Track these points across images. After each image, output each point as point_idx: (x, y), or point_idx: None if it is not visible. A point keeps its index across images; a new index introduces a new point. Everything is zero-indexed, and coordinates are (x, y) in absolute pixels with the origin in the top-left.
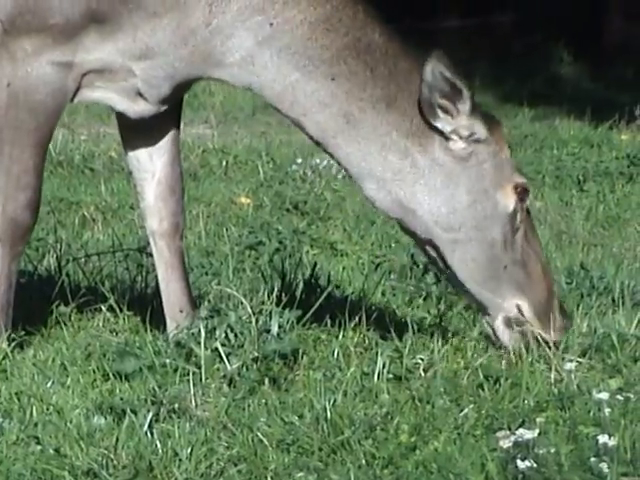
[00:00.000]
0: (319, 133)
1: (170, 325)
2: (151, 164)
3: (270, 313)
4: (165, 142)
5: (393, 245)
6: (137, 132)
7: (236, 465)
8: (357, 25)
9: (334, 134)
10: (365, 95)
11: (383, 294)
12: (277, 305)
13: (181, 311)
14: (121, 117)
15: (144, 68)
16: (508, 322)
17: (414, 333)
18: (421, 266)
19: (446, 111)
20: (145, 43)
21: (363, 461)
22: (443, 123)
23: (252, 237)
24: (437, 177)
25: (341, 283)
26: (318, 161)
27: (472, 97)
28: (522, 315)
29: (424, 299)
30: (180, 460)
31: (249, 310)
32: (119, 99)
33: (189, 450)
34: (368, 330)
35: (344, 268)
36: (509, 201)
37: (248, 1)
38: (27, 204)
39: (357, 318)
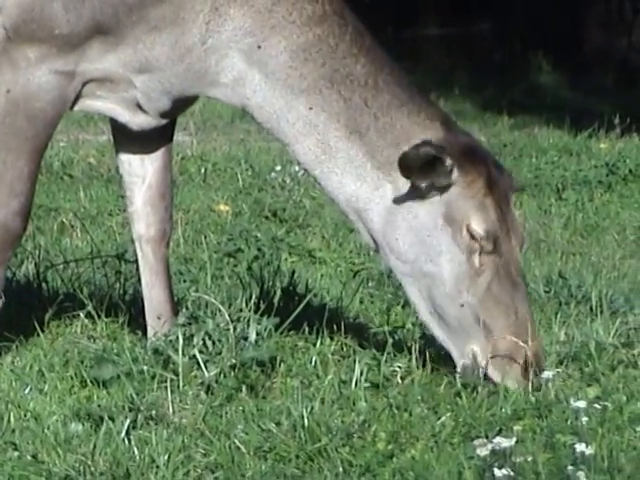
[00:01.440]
0: (303, 162)
1: (151, 331)
2: (142, 169)
3: (248, 320)
4: (158, 148)
5: (371, 253)
6: (131, 137)
7: (213, 472)
8: (337, 56)
9: (314, 164)
10: (339, 125)
11: (361, 302)
12: (255, 312)
13: (159, 318)
14: (116, 121)
15: (143, 81)
16: (465, 370)
17: (392, 341)
18: None
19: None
20: (145, 56)
21: (340, 469)
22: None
23: (231, 244)
24: (400, 210)
25: (319, 291)
26: (297, 169)
27: (452, 153)
28: (476, 361)
29: (402, 307)
30: (157, 467)
31: (227, 317)
32: (121, 111)
33: (166, 457)
34: (346, 338)
35: (322, 276)
36: (461, 239)
37: (242, 22)
38: (19, 211)
39: (335, 326)
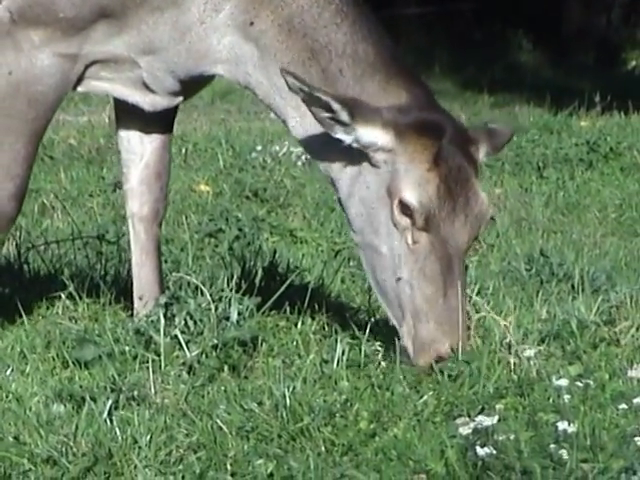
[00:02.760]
0: (294, 135)
1: (137, 308)
2: (141, 147)
3: (229, 300)
4: (158, 128)
5: None
6: (132, 114)
7: (195, 452)
8: (319, 25)
9: (302, 137)
10: None
11: (342, 281)
12: (237, 292)
13: (140, 298)
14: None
15: (148, 61)
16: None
17: (373, 320)
18: None
19: (340, 122)
20: (148, 37)
21: (322, 448)
22: (342, 134)
23: (212, 225)
24: (358, 180)
25: (300, 270)
26: (278, 148)
27: (349, 104)
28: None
29: None
30: (139, 447)
31: (208, 298)
32: (128, 91)
33: (148, 437)
34: (327, 317)
35: (303, 255)
36: (393, 215)
37: (236, 0)
38: (14, 194)
39: (316, 305)
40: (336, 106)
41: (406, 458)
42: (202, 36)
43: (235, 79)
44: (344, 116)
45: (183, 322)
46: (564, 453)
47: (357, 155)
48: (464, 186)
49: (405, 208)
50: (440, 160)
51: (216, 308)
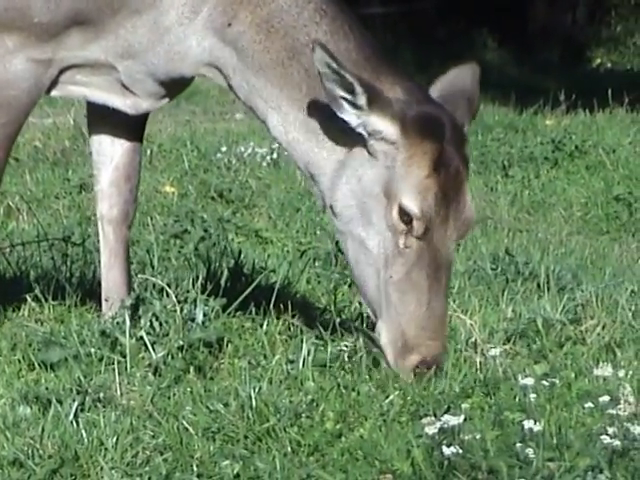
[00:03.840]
0: (274, 135)
1: (105, 310)
2: (112, 149)
3: (195, 302)
4: (129, 131)
5: (318, 232)
6: (104, 116)
7: (162, 454)
8: (299, 24)
9: (282, 136)
10: (301, 96)
11: (308, 282)
12: (202, 293)
13: (107, 300)
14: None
15: (127, 65)
16: (372, 341)
17: (339, 320)
18: None
19: (352, 104)
20: (127, 40)
21: (289, 448)
22: (349, 116)
23: (177, 226)
24: (347, 172)
25: (266, 271)
26: (243, 149)
27: (370, 90)
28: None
29: (349, 286)
30: (106, 449)
31: (174, 299)
32: (107, 95)
33: (115, 439)
34: (293, 318)
35: (269, 256)
36: (389, 216)
37: (215, 2)
38: None
39: (282, 306)
40: (358, 89)
41: (372, 458)
42: (181, 38)
43: (217, 81)
44: (362, 100)
45: (149, 324)
46: (530, 452)
47: (345, 146)
48: (457, 192)
49: (404, 215)
50: (440, 166)
51: (182, 309)
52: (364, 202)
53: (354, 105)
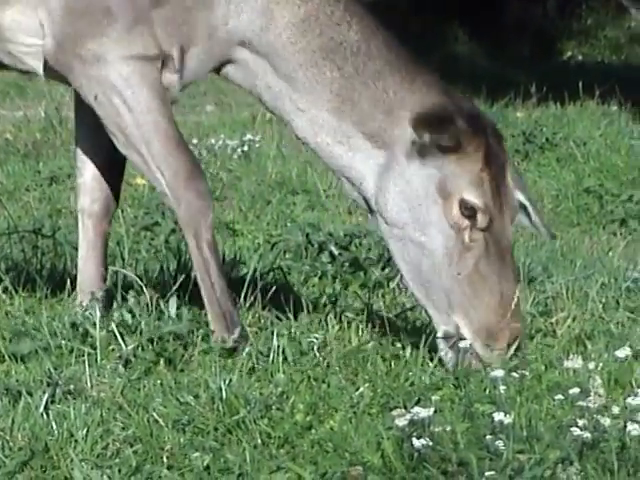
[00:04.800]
0: (302, 136)
1: (81, 301)
2: (97, 142)
3: (166, 294)
4: None
5: (289, 224)
6: (91, 108)
7: (132, 445)
8: (332, 23)
9: (311, 137)
10: (332, 96)
11: (279, 274)
12: (173, 286)
13: (83, 292)
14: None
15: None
16: (446, 337)
17: (309, 312)
18: (316, 245)
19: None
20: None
21: (259, 440)
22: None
23: (148, 218)
24: (393, 176)
25: (237, 263)
26: (213, 141)
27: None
28: (459, 334)
29: (319, 278)
30: (76, 441)
31: (145, 291)
32: None
33: (85, 431)
34: (263, 310)
35: (240, 248)
36: (450, 214)
37: (254, 3)
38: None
39: (252, 298)
40: (460, 123)
41: (342, 450)
42: (225, 38)
43: (239, 81)
44: (458, 128)
45: (119, 316)
46: (500, 444)
47: (386, 149)
48: (505, 182)
49: (467, 209)
50: (489, 159)
51: (152, 301)
52: (419, 205)
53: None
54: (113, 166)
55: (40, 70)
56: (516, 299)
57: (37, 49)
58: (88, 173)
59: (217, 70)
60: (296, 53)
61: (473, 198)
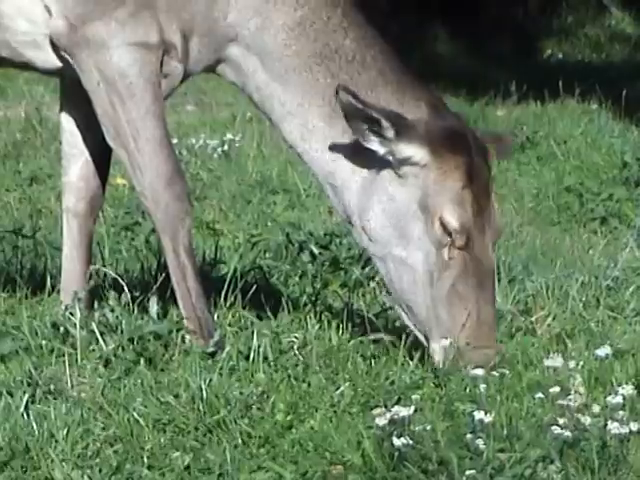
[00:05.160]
0: (289, 140)
1: (64, 301)
2: (83, 142)
3: (147, 294)
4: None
5: (269, 224)
6: (78, 106)
7: (112, 445)
8: (328, 29)
9: (298, 142)
10: (323, 103)
11: (259, 273)
12: (153, 285)
13: (66, 292)
14: (67, 85)
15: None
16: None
17: (289, 312)
18: (296, 245)
19: (377, 133)
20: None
21: (239, 440)
22: (376, 146)
23: (128, 218)
24: (376, 191)
25: (217, 263)
26: (194, 141)
27: (396, 122)
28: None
29: (300, 278)
30: (56, 441)
31: (125, 290)
32: None
33: (65, 431)
34: (244, 309)
35: (220, 247)
36: (431, 231)
37: (252, 1)
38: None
39: (233, 297)
40: (385, 123)
41: (323, 449)
42: (224, 32)
43: (232, 79)
44: (389, 133)
45: (100, 315)
46: (481, 443)
47: (372, 163)
48: (488, 200)
49: (445, 228)
50: (471, 177)
51: (133, 301)
52: (400, 222)
53: (380, 135)
54: (99, 164)
55: (38, 62)
56: (492, 325)
57: (34, 38)
58: (73, 172)
59: (212, 69)
60: (290, 56)
61: (451, 217)
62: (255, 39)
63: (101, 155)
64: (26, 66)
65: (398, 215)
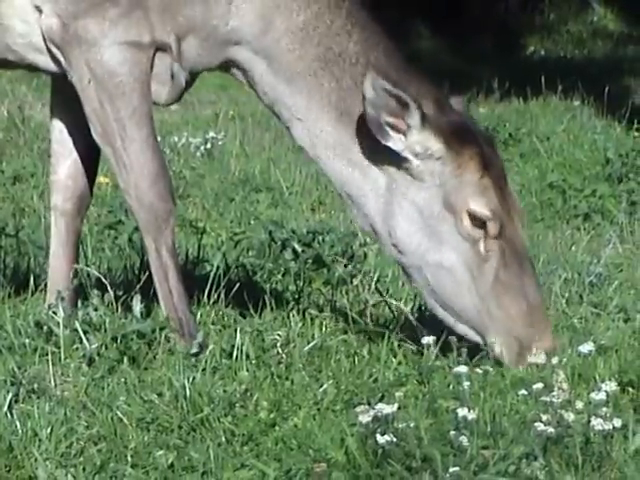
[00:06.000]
0: (300, 144)
1: (50, 299)
2: (72, 141)
3: (130, 292)
4: None
5: (252, 222)
6: (68, 105)
7: (96, 444)
8: (332, 33)
9: (309, 147)
10: (330, 108)
11: (242, 271)
12: (137, 284)
13: (52, 290)
14: (58, 84)
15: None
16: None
17: (272, 310)
18: (279, 243)
19: (396, 129)
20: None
21: (223, 438)
22: (394, 142)
23: (111, 216)
24: (394, 197)
25: (200, 261)
26: (176, 139)
27: (421, 109)
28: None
29: (282, 275)
30: (40, 440)
31: (109, 289)
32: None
33: (49, 430)
34: (227, 307)
35: (203, 246)
36: (462, 227)
37: (254, 6)
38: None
39: (216, 295)
40: (413, 107)
41: (306, 447)
42: (225, 39)
43: (242, 81)
44: (415, 119)
45: (83, 314)
46: (464, 440)
47: (385, 169)
48: (506, 184)
49: (476, 220)
50: (487, 165)
51: (116, 300)
52: (428, 226)
53: (398, 130)
54: (88, 163)
55: (41, 64)
56: (541, 305)
57: (30, 40)
58: (62, 171)
59: (222, 69)
60: (294, 61)
61: (480, 207)
62: (260, 44)
63: (90, 155)
64: (36, 69)
65: (423, 219)
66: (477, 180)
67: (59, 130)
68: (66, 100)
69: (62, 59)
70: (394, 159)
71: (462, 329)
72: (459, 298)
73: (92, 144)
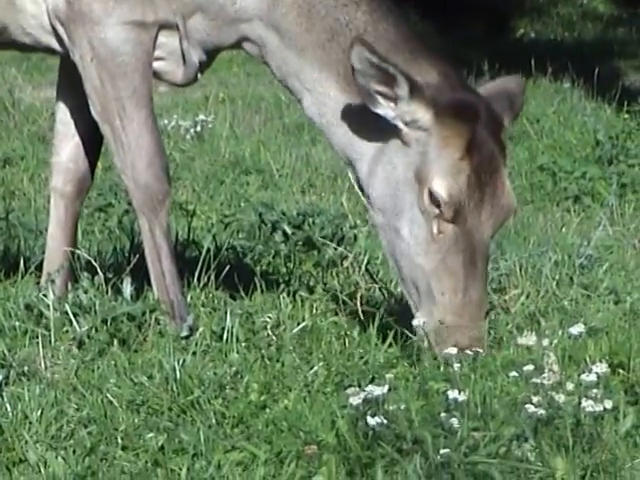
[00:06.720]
0: (308, 115)
1: (45, 280)
2: (76, 123)
3: (120, 275)
4: None
5: (242, 204)
6: (75, 88)
7: (86, 426)
8: (339, 4)
9: (317, 117)
10: (339, 78)
11: (232, 253)
12: (127, 267)
13: (49, 272)
14: (65, 66)
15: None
16: (415, 329)
17: (263, 292)
18: (269, 225)
19: (387, 97)
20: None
21: (213, 420)
22: (384, 110)
23: (101, 199)
24: (382, 160)
25: (190, 243)
26: (166, 122)
27: (410, 80)
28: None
29: (273, 257)
30: (30, 423)
31: (99, 272)
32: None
33: (39, 412)
34: (217, 290)
35: (193, 228)
36: (421, 200)
37: None
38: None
39: (206, 278)
40: (400, 79)
41: (297, 429)
42: (233, 18)
43: (257, 57)
44: (403, 90)
45: (73, 297)
46: (455, 422)
47: (384, 133)
48: (493, 176)
49: (433, 199)
50: (473, 148)
51: (106, 282)
52: (397, 190)
53: (389, 98)
54: (90, 147)
55: (55, 45)
56: (480, 304)
57: (41, 21)
58: (64, 154)
59: (235, 47)
60: (302, 34)
61: (440, 188)
62: (269, 19)
63: (93, 138)
64: (53, 52)
65: (396, 183)
66: (454, 160)
67: (63, 112)
68: (73, 83)
69: (65, 37)
70: (389, 125)
71: (404, 292)
72: (405, 269)
73: (95, 127)
